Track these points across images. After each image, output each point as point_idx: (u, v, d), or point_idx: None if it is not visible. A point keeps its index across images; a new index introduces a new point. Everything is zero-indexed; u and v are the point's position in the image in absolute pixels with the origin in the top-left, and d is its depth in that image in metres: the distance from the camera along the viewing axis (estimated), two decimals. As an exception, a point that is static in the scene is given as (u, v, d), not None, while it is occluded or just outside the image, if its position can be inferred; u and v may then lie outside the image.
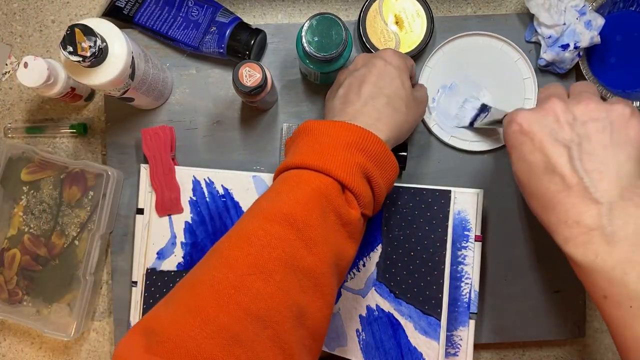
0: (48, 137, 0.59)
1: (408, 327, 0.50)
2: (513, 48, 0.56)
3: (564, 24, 0.54)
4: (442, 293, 0.49)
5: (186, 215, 0.54)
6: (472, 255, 0.50)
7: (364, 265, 0.51)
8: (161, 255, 0.54)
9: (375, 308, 0.51)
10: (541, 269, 0.57)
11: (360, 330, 0.51)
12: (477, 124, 0.54)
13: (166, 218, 0.54)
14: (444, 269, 0.49)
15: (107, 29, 0.45)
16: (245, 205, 0.53)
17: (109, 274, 0.58)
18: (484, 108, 0.54)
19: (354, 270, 0.52)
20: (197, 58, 0.58)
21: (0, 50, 0.60)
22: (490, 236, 0.57)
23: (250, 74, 0.48)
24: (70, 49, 0.42)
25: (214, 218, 0.54)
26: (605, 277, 0.32)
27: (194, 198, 0.54)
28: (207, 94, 0.58)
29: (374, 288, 0.51)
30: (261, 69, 0.48)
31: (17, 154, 0.56)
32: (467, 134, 0.57)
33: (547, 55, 0.55)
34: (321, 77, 0.53)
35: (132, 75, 0.47)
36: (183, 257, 0.53)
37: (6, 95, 0.60)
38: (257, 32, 0.55)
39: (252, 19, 0.60)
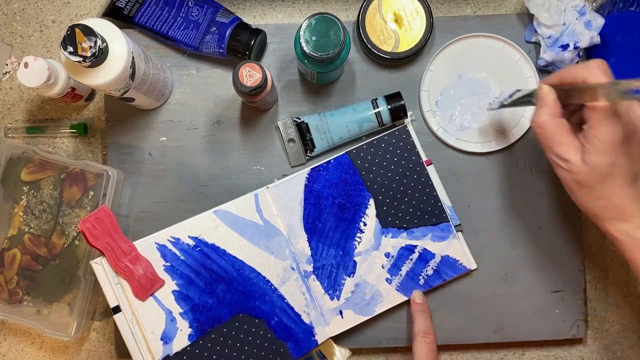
0: (48, 137, 0.59)
1: (427, 244, 0.54)
2: (513, 48, 0.56)
3: (564, 24, 0.54)
4: (440, 202, 0.55)
5: (170, 284, 0.50)
6: (431, 177, 0.55)
7: (365, 225, 0.54)
8: (167, 338, 0.49)
9: (391, 251, 0.54)
10: (541, 269, 0.57)
11: (390, 277, 0.54)
12: (507, 102, 0.52)
13: (151, 299, 0.49)
14: (431, 184, 0.55)
15: (107, 29, 0.45)
16: (221, 242, 0.51)
17: (109, 273, 0.58)
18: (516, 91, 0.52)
19: (358, 235, 0.54)
20: (197, 58, 0.58)
21: (1, 50, 0.60)
22: (490, 236, 0.57)
23: (250, 74, 0.48)
24: (71, 49, 0.42)
25: (200, 272, 0.51)
26: None
27: (168, 264, 0.50)
28: (207, 94, 0.58)
29: (383, 236, 0.54)
30: (261, 69, 0.48)
31: (17, 154, 0.56)
32: (472, 136, 0.57)
33: (546, 55, 0.55)
34: (318, 76, 0.53)
35: (132, 76, 0.47)
36: (190, 327, 0.50)
37: (6, 95, 0.60)
38: (257, 32, 0.55)
39: (252, 19, 0.60)
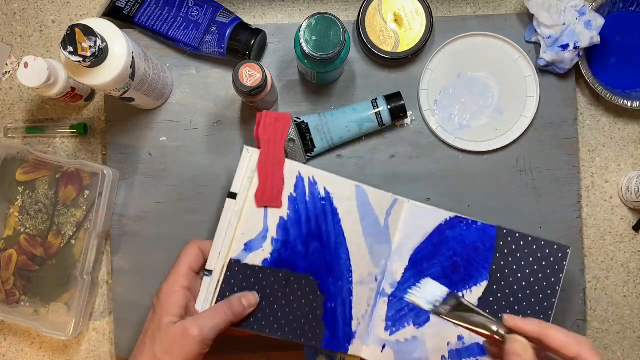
0: (48, 137, 0.59)
1: None
2: (513, 47, 0.56)
3: (564, 24, 0.54)
4: None
5: (283, 211, 0.50)
6: None
7: (462, 297, 0.51)
8: (249, 247, 0.49)
9: (467, 338, 0.51)
10: (541, 269, 0.56)
11: (447, 358, 0.51)
12: (449, 315, 0.43)
13: (261, 209, 0.49)
14: (551, 314, 0.50)
15: (107, 29, 0.45)
16: (342, 213, 0.51)
17: (109, 274, 0.58)
18: (454, 299, 0.43)
19: None
20: (197, 58, 0.58)
21: (1, 50, 0.60)
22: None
23: (250, 74, 0.48)
24: (71, 49, 0.42)
25: (311, 220, 0.50)
26: None
27: (294, 195, 0.50)
28: (207, 94, 0.58)
29: None
30: (261, 69, 0.48)
31: (12, 154, 0.56)
32: (471, 135, 0.57)
33: (546, 55, 0.55)
34: (318, 76, 0.53)
35: (132, 76, 0.47)
36: (271, 254, 0.50)
37: (6, 95, 0.60)
38: (257, 32, 0.55)
39: (252, 19, 0.60)
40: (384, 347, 0.52)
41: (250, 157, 0.49)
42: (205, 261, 0.49)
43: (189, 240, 0.49)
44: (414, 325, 0.52)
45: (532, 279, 0.51)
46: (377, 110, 0.55)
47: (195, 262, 0.48)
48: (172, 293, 0.45)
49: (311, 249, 0.51)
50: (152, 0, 0.56)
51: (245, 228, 0.49)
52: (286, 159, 0.50)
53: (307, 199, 0.51)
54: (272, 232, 0.50)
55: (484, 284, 0.51)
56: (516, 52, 0.57)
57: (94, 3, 0.60)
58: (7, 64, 0.60)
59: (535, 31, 0.56)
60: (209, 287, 0.48)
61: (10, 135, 0.59)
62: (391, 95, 0.55)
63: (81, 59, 0.43)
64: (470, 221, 0.52)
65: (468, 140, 0.57)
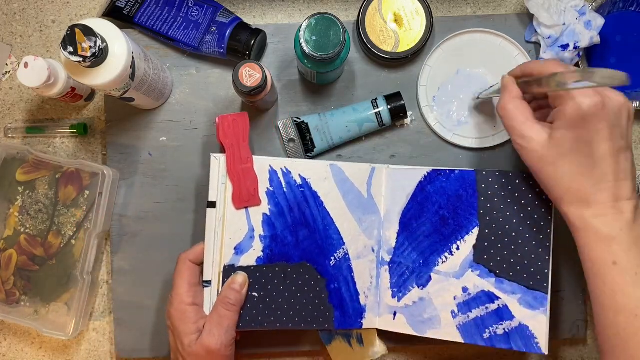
0: (48, 137, 0.59)
1: (511, 302, 0.49)
2: (512, 44, 0.56)
3: (564, 24, 0.54)
4: (548, 269, 0.49)
5: (264, 207, 0.51)
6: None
7: (457, 249, 0.51)
8: (239, 250, 0.50)
9: (471, 288, 0.50)
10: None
11: (457, 312, 0.51)
12: (482, 95, 0.54)
13: (243, 211, 0.50)
14: (549, 245, 0.49)
15: (107, 29, 0.45)
16: (323, 194, 0.52)
17: (109, 273, 0.58)
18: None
19: (446, 254, 0.51)
20: (197, 58, 0.58)
21: (1, 50, 0.60)
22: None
23: (250, 74, 0.48)
24: (71, 49, 0.42)
25: (293, 209, 0.51)
26: (625, 246, 0.40)
27: (271, 189, 0.51)
28: (207, 94, 0.58)
29: (470, 270, 0.51)
30: (261, 69, 0.48)
31: (12, 155, 0.56)
32: (469, 131, 0.57)
33: (546, 55, 0.55)
34: (318, 76, 0.53)
35: (132, 76, 0.47)
36: (262, 251, 0.51)
37: (6, 95, 0.60)
38: (257, 32, 0.55)
39: (252, 19, 0.60)
40: (395, 314, 0.52)
41: (218, 163, 0.50)
42: (201, 268, 0.50)
43: (177, 258, 0.50)
44: (418, 287, 0.52)
45: (522, 215, 0.49)
46: (377, 110, 0.55)
47: (192, 276, 0.49)
48: (182, 313, 0.47)
49: (301, 237, 0.51)
50: (152, 0, 0.56)
51: (231, 232, 0.50)
52: (254, 156, 0.51)
53: (285, 189, 0.51)
54: (259, 230, 0.51)
55: (476, 230, 0.51)
56: (515, 49, 0.57)
57: (94, 3, 0.60)
58: (7, 64, 0.60)
59: (535, 31, 0.56)
60: (211, 296, 0.49)
61: (10, 135, 0.59)
62: (391, 95, 0.55)
63: (81, 59, 0.43)
64: (448, 171, 0.52)
65: (466, 137, 0.57)
